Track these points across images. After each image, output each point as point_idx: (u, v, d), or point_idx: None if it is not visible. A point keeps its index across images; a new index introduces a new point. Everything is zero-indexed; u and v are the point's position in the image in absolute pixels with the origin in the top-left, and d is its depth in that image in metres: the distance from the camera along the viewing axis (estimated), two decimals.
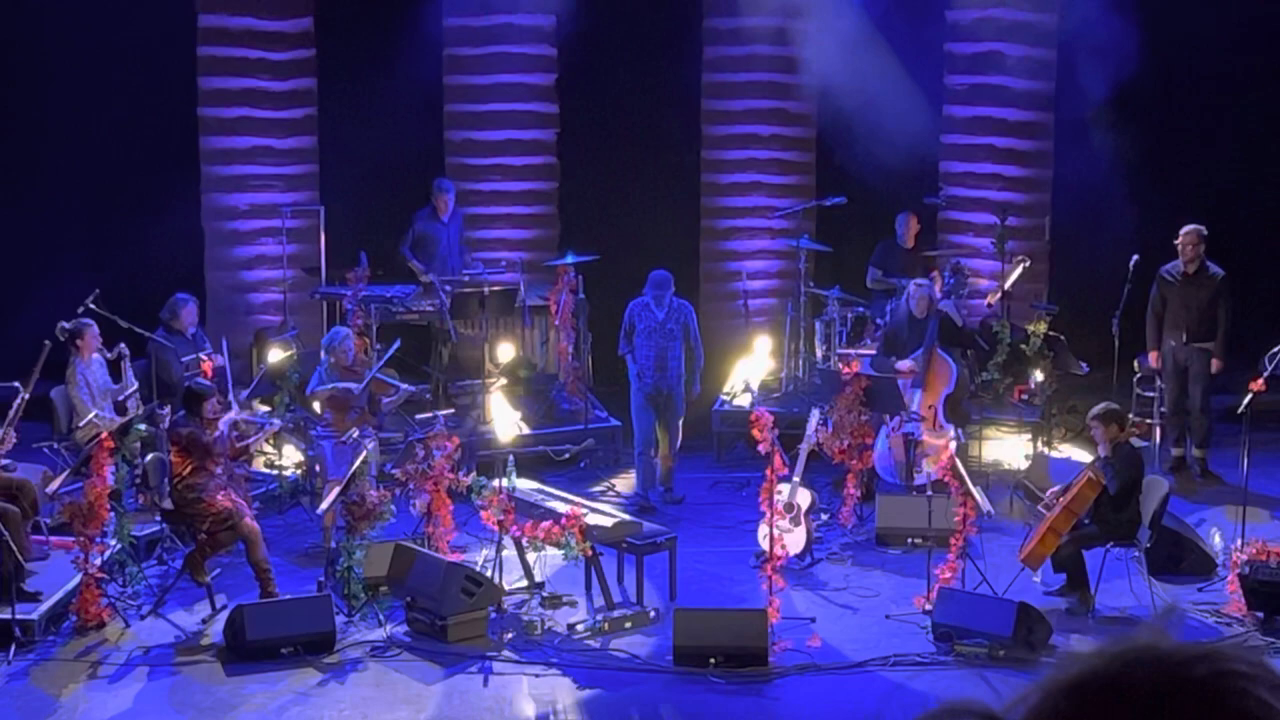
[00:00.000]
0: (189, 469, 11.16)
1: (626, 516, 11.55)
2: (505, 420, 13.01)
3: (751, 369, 15.48)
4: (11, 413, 11.49)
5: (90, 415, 12.22)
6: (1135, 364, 14.38)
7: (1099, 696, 1.48)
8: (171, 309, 13.86)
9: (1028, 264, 15.24)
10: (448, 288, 15.03)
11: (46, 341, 12.14)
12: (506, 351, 15.12)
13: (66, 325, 12.65)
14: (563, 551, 11.08)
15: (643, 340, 13.54)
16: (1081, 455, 13.61)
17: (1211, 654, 1.47)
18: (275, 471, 13.51)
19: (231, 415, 11.59)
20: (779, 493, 11.46)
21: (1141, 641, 1.50)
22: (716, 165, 18.23)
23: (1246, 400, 12.09)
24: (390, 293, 15.20)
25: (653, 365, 13.53)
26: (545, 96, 17.62)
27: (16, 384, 11.73)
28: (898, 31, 16.37)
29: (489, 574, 11.07)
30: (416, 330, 15.15)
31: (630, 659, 10.47)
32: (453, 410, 13.80)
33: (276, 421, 12.56)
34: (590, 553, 11.11)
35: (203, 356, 12.96)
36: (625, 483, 14.16)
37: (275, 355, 13.52)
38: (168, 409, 12.56)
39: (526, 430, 13.87)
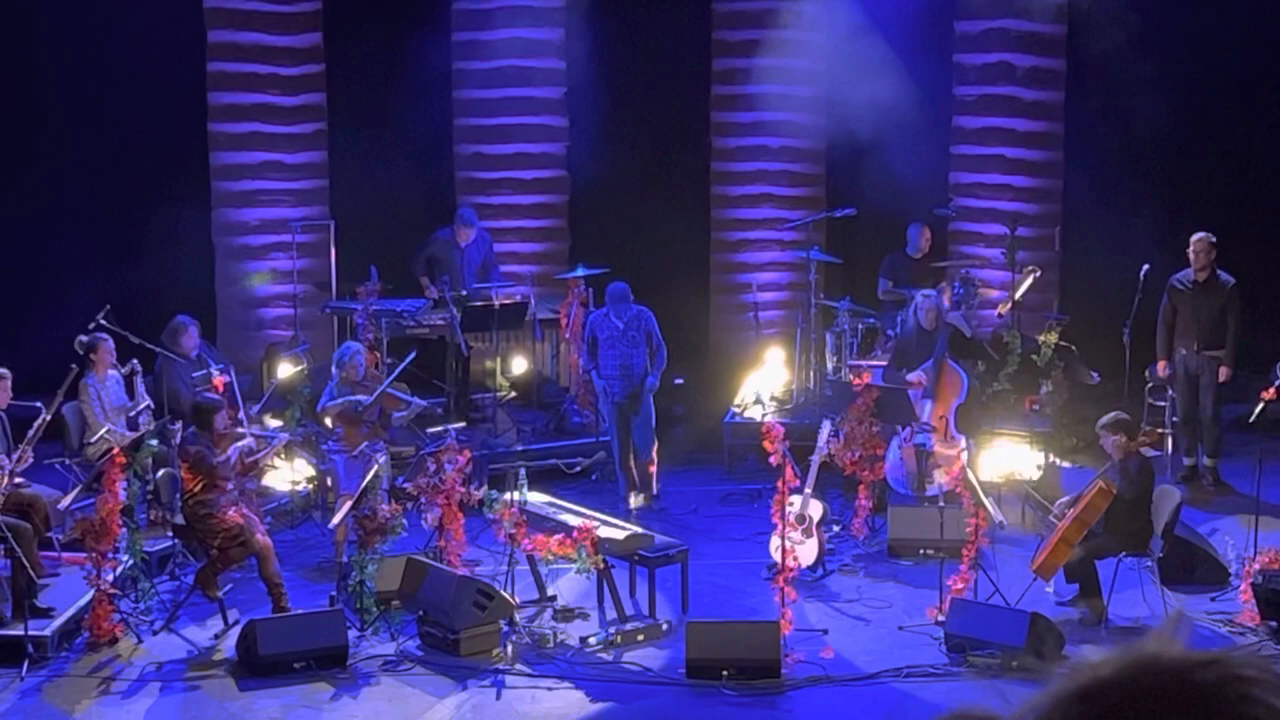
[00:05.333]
0: (200, 486, 11.16)
1: (639, 529, 11.55)
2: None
3: (763, 381, 15.48)
4: (31, 432, 11.50)
5: (102, 431, 12.23)
6: (1146, 373, 14.36)
7: (1107, 703, 1.48)
8: (172, 334, 13.57)
9: (1038, 274, 15.23)
10: (454, 309, 15.02)
11: (74, 366, 12.14)
12: (519, 365, 15.19)
13: (84, 339, 12.67)
14: (575, 565, 11.07)
15: (606, 350, 13.64)
16: (1093, 465, 13.58)
17: (1219, 660, 1.47)
18: (290, 487, 13.51)
19: (243, 444, 11.55)
20: (791, 504, 11.46)
21: (1149, 648, 1.50)
22: (726, 177, 18.25)
23: (1258, 409, 12.07)
24: (401, 307, 15.22)
25: (617, 374, 13.63)
26: (554, 110, 17.64)
27: (38, 404, 11.74)
28: (907, 42, 16.37)
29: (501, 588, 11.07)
30: (428, 344, 15.15)
31: (642, 672, 10.46)
32: (464, 424, 13.83)
33: (284, 435, 12.57)
34: (602, 566, 11.11)
35: (214, 372, 12.97)
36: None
37: (284, 370, 13.49)
38: (179, 424, 12.58)
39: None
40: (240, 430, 11.86)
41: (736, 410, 15.35)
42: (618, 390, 13.69)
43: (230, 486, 11.28)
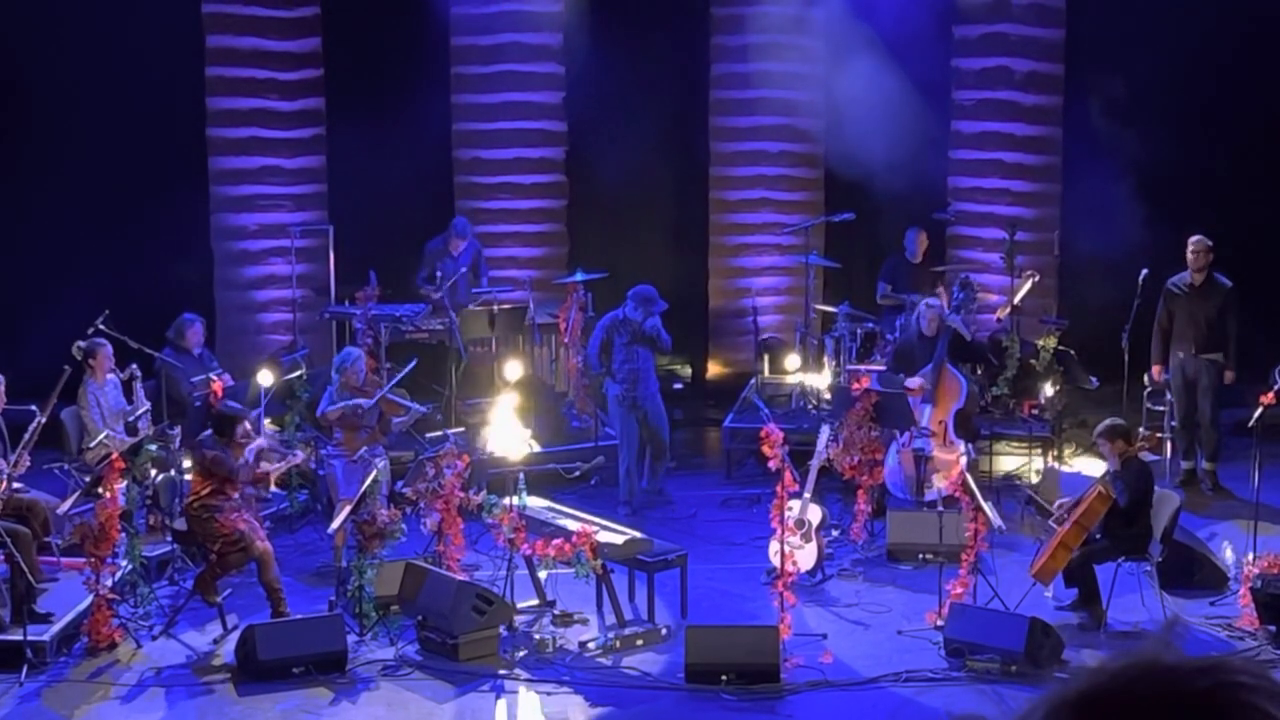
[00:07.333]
0: (207, 490, 11.15)
1: (638, 534, 11.54)
2: (514, 438, 13.02)
3: (762, 385, 15.49)
4: (27, 436, 11.50)
5: (101, 436, 12.23)
6: (1145, 378, 14.36)
7: (1103, 709, 1.48)
8: (178, 329, 13.88)
9: (1037, 279, 15.24)
10: (453, 314, 15.02)
11: (66, 367, 12.14)
12: (516, 370, 15.11)
13: (82, 345, 12.68)
14: (574, 569, 11.07)
15: (621, 355, 13.62)
16: (1092, 470, 13.60)
17: (1214, 666, 1.48)
18: (287, 491, 13.51)
19: (259, 443, 11.57)
20: (790, 509, 11.46)
21: (1145, 654, 1.50)
22: (725, 182, 18.26)
23: (1257, 413, 12.07)
24: (400, 311, 15.21)
25: (636, 377, 13.63)
26: (553, 114, 17.66)
27: (33, 407, 11.74)
28: (905, 47, 16.38)
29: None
30: (427, 349, 15.15)
31: (642, 676, 10.46)
32: (463, 429, 13.80)
33: (300, 453, 12.56)
34: (601, 570, 11.10)
35: (213, 376, 12.97)
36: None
37: (266, 377, 13.40)
38: (178, 429, 12.59)
39: (536, 448, 13.87)
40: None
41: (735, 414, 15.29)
42: (638, 392, 13.69)
43: (236, 495, 11.28)
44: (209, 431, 11.49)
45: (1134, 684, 1.48)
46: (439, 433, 13.23)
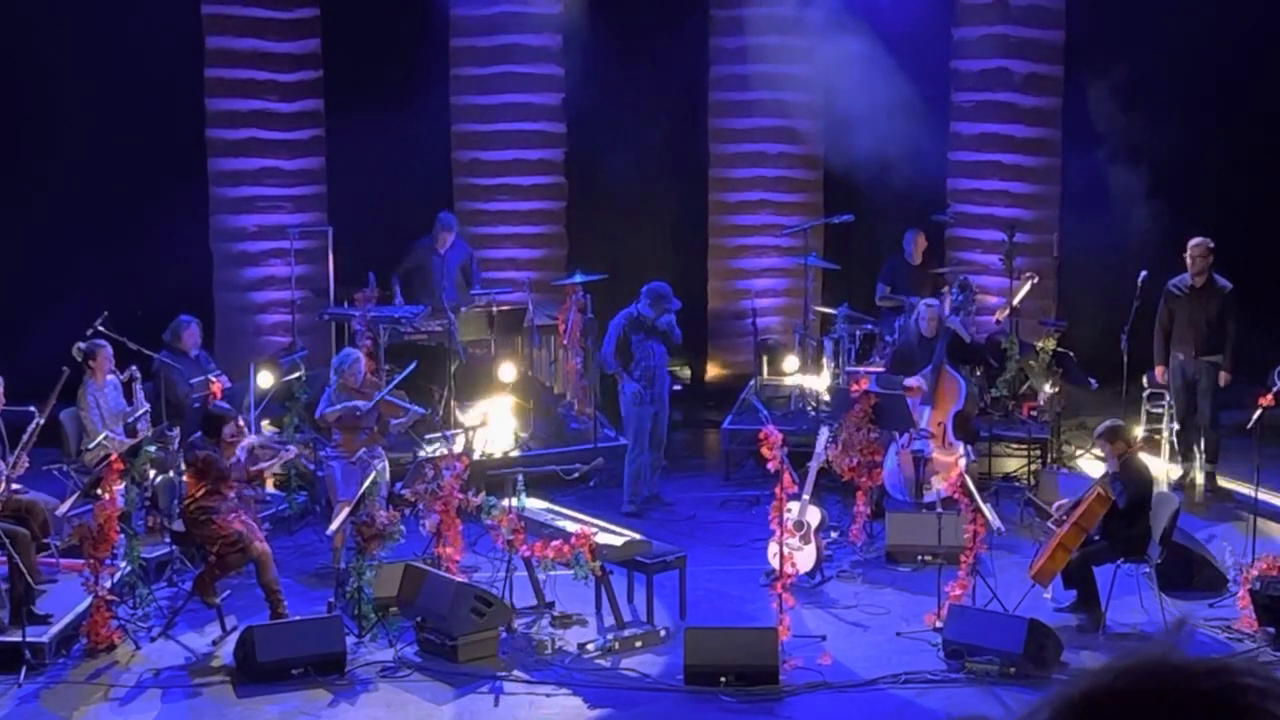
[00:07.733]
0: (202, 491, 11.16)
1: (636, 535, 11.54)
2: (503, 437, 13.04)
3: (761, 386, 15.48)
4: (25, 437, 11.49)
5: (100, 437, 12.22)
6: (1144, 379, 14.35)
7: (1108, 711, 1.47)
8: (174, 330, 13.89)
9: (1036, 280, 15.23)
10: (452, 315, 15.02)
11: (65, 368, 12.14)
12: (510, 371, 15.13)
13: (82, 346, 12.68)
14: (572, 571, 11.07)
15: (637, 353, 13.61)
16: (1091, 471, 13.60)
17: (1221, 667, 1.47)
18: (285, 492, 13.51)
19: (250, 441, 11.58)
20: (789, 511, 11.45)
21: (1150, 655, 1.50)
22: (724, 184, 18.26)
23: (1256, 415, 12.07)
24: (399, 313, 15.20)
25: (654, 375, 13.64)
26: (552, 116, 17.65)
27: (32, 408, 11.73)
28: (904, 48, 16.38)
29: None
30: (426, 350, 15.14)
31: (641, 678, 10.45)
32: (461, 430, 13.79)
33: (293, 448, 12.57)
34: (600, 572, 11.10)
35: (211, 378, 12.97)
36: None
37: (265, 379, 13.38)
38: (176, 430, 12.59)
39: (516, 452, 13.89)
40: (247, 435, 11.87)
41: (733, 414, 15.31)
42: (654, 389, 13.71)
43: (232, 495, 11.28)
44: (199, 433, 11.51)
45: (1140, 684, 1.48)
46: (439, 434, 13.22)
